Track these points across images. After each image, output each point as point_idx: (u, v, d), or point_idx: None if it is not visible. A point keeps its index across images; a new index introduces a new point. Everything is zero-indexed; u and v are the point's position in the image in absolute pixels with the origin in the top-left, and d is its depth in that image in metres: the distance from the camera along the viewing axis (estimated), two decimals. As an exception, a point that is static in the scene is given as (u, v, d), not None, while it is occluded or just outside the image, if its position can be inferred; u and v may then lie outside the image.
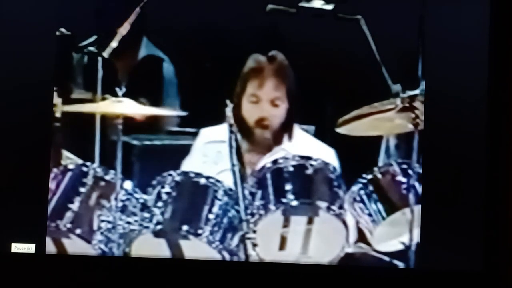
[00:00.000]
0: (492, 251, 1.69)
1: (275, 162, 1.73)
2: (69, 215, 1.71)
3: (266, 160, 1.74)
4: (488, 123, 1.70)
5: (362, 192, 1.72)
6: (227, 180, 1.73)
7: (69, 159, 1.73)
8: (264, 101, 1.73)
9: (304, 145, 1.74)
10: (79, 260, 1.71)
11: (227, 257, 1.71)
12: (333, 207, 1.71)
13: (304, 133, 1.74)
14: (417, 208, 1.70)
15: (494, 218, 1.70)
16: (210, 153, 1.74)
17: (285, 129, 1.74)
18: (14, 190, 1.69)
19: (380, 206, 1.72)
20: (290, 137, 1.74)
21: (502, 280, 1.70)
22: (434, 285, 1.70)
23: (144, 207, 1.72)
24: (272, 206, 1.71)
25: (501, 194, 1.71)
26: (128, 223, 1.72)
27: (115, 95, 1.72)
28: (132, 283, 1.72)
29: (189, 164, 1.73)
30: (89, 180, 1.72)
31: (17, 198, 1.69)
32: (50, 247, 1.70)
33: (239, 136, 1.73)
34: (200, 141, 1.73)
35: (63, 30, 1.72)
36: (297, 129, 1.74)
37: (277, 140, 1.75)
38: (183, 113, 1.73)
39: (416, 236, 1.70)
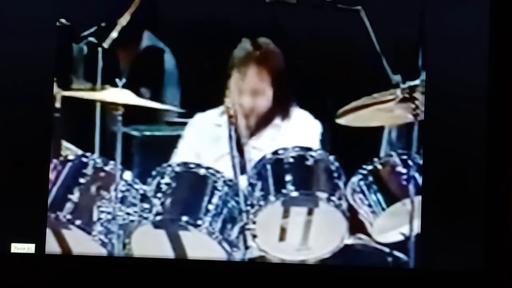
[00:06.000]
0: (492, 251, 1.69)
1: (275, 153, 1.73)
2: (69, 206, 1.71)
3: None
4: (489, 114, 1.69)
5: (362, 183, 1.72)
6: (226, 169, 1.73)
7: (69, 149, 1.73)
8: (246, 89, 1.72)
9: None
10: (79, 260, 1.70)
11: (227, 247, 1.71)
12: (333, 198, 1.70)
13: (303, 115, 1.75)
14: (417, 199, 1.70)
15: (494, 218, 1.70)
16: (206, 139, 1.74)
17: (275, 113, 1.74)
18: (14, 190, 1.68)
19: (380, 196, 1.72)
20: (283, 118, 1.74)
21: (502, 280, 1.70)
22: (434, 285, 1.69)
23: (144, 197, 1.72)
24: (272, 197, 1.71)
25: (501, 194, 1.71)
26: (128, 214, 1.72)
27: (115, 85, 1.72)
28: (132, 283, 1.72)
29: (184, 150, 1.73)
30: (89, 171, 1.72)
31: (17, 198, 1.68)
32: (50, 243, 1.70)
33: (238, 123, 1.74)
34: (194, 127, 1.74)
35: (63, 20, 1.72)
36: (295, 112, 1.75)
37: (267, 122, 1.74)
38: (182, 110, 1.74)
39: (416, 227, 1.69)
